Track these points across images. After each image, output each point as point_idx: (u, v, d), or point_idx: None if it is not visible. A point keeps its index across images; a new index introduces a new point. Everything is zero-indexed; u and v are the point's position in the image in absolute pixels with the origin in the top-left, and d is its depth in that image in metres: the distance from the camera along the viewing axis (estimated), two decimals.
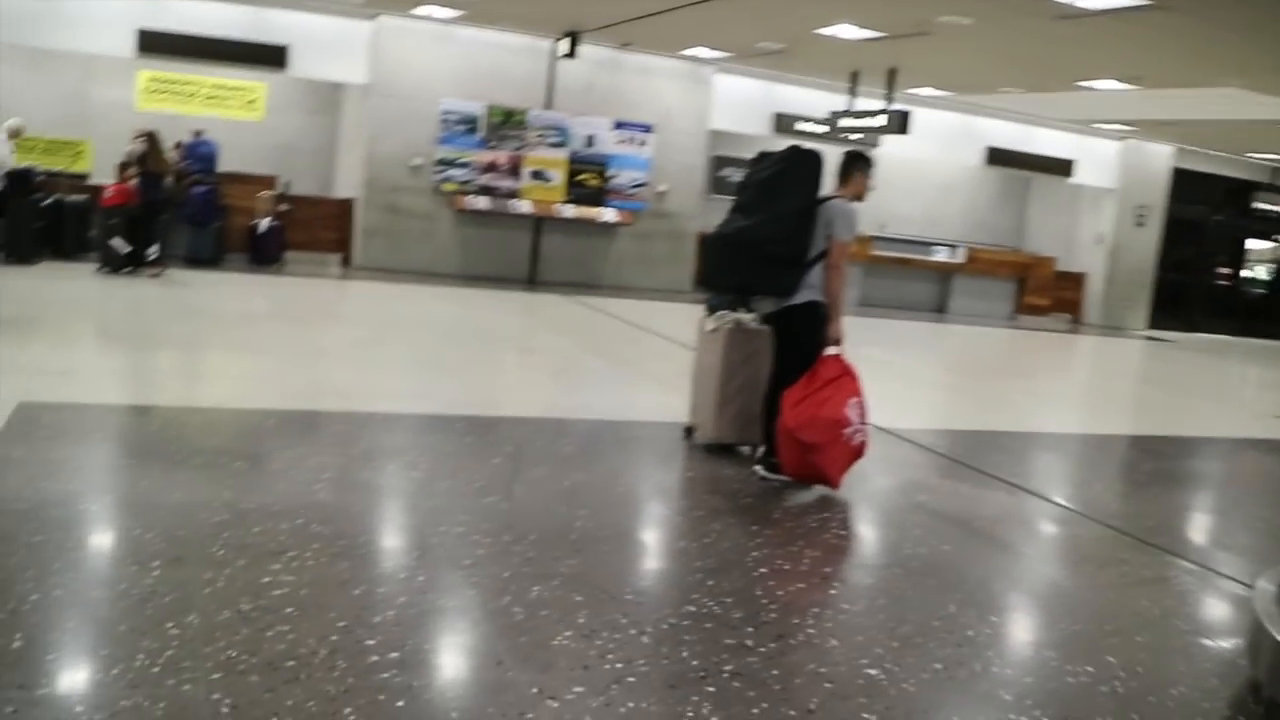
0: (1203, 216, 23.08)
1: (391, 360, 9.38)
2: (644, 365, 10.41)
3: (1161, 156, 21.64)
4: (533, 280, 16.84)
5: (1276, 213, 23.77)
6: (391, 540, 4.95)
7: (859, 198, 6.57)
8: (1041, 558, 5.83)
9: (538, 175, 16.65)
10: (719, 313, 7.23)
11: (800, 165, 6.50)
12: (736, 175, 18.29)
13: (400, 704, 3.28)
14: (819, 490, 6.36)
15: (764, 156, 6.72)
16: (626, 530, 5.41)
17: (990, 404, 10.86)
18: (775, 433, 6.33)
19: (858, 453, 6.35)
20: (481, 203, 16.26)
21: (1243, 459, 9.73)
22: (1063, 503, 6.96)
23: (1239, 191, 23.34)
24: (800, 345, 6.46)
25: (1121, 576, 5.54)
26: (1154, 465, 8.75)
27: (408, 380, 8.48)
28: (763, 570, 4.94)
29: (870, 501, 6.56)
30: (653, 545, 5.26)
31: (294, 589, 4.03)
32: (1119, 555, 5.92)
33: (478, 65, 16.25)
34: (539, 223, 16.83)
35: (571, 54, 15.68)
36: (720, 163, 19.77)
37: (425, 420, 7.19)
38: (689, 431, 7.41)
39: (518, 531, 5.05)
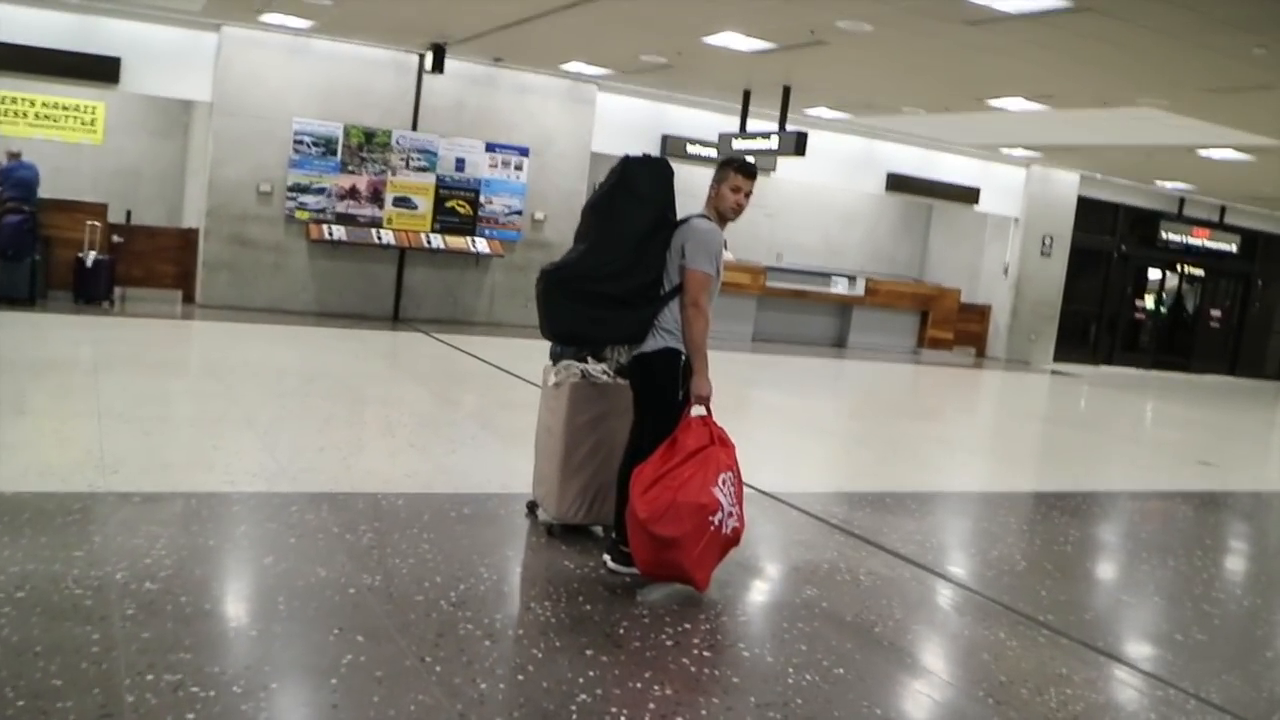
0: (1109, 246, 22.33)
1: (191, 419, 7.86)
2: (499, 420, 9.00)
3: (1067, 184, 20.81)
4: (397, 317, 15.34)
5: (1183, 244, 23.09)
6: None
7: (721, 215, 5.22)
8: (964, 681, 4.51)
9: (402, 202, 15.17)
10: (563, 363, 5.87)
11: (637, 179, 5.18)
12: None
13: None
14: (681, 589, 5.00)
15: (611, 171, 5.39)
16: (405, 668, 3.97)
17: (894, 457, 9.60)
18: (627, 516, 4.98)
19: (730, 542, 5.03)
20: (339, 232, 14.74)
21: (1177, 520, 8.58)
22: (983, 593, 5.67)
23: (1146, 221, 22.62)
24: (655, 405, 5.14)
25: (1064, 703, 4.26)
26: (1082, 532, 7.53)
27: (200, 444, 6.97)
28: None
29: (746, 603, 5.21)
30: (438, 691, 3.83)
31: None
32: (1058, 669, 4.64)
33: (335, 81, 14.77)
34: (403, 254, 15.34)
35: (437, 69, 14.27)
36: None
37: (191, 501, 5.70)
38: (532, 508, 6.04)
39: (248, 678, 3.62)
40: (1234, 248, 23.96)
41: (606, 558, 5.25)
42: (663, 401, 5.11)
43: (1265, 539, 8.53)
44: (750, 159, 6.57)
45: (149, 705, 3.41)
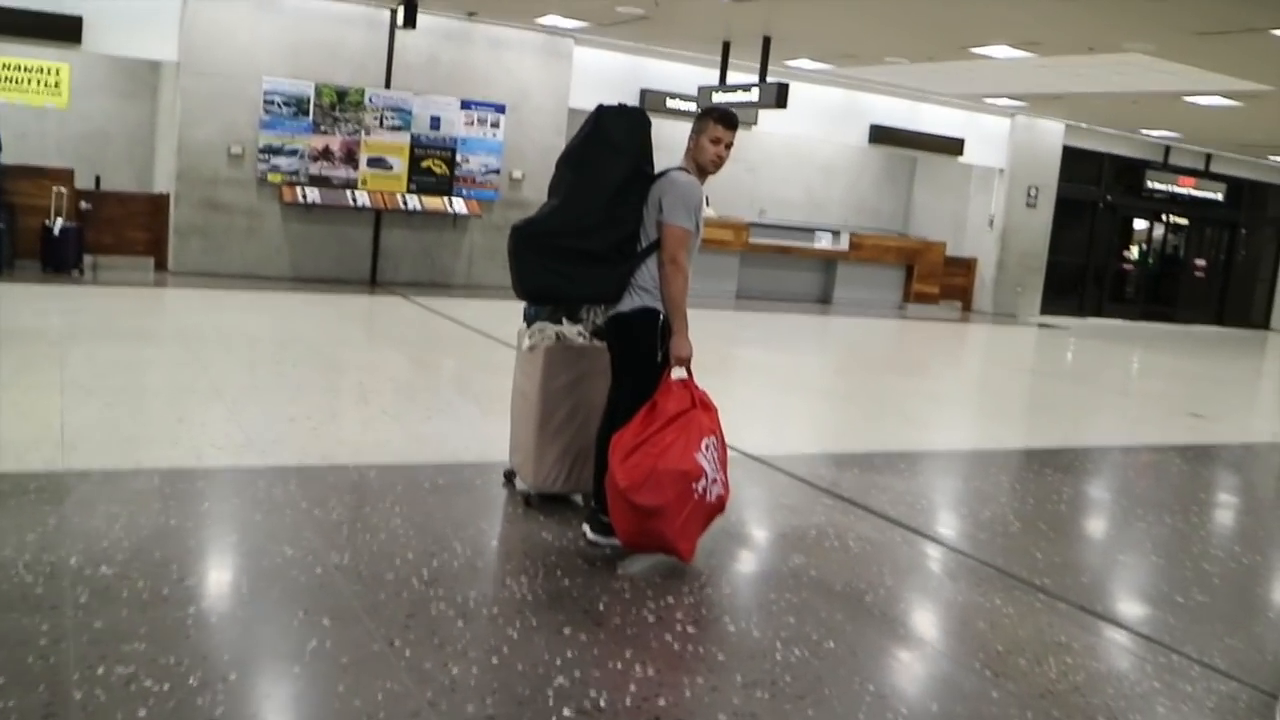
0: (1095, 197, 22.12)
1: (158, 391, 7.60)
2: (477, 385, 8.77)
3: (1053, 134, 20.56)
4: (374, 281, 15.06)
5: (1169, 193, 22.91)
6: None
7: (701, 168, 4.97)
8: (959, 652, 4.32)
9: (377, 163, 14.85)
10: (537, 324, 5.63)
11: (611, 129, 4.93)
12: None
13: None
14: (664, 560, 4.81)
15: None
16: (373, 652, 3.77)
17: (882, 415, 9.41)
18: (606, 484, 4.78)
19: (715, 510, 4.83)
20: (313, 195, 14.42)
21: (1170, 474, 8.41)
22: (976, 556, 5.49)
23: (1131, 170, 22.41)
24: (633, 368, 4.92)
25: (1064, 673, 4.08)
26: (1075, 490, 7.37)
27: (165, 417, 6.73)
28: (567, 712, 3.38)
29: (732, 573, 5.01)
30: (407, 677, 3.63)
31: None
32: (1056, 636, 4.46)
33: (306, 39, 14.40)
34: (379, 216, 15.04)
35: (409, 24, 13.92)
36: None
37: (154, 478, 5.47)
38: (509, 477, 5.83)
39: (205, 669, 3.41)
40: (1220, 196, 23.79)
41: (585, 528, 5.06)
42: (642, 363, 4.88)
43: (1260, 492, 8.38)
44: (730, 108, 6.30)
45: (98, 702, 3.20)
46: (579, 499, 5.58)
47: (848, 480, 6.77)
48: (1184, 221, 24.13)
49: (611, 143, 4.89)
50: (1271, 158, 22.73)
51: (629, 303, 4.90)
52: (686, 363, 4.87)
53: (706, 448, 4.70)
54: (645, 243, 4.90)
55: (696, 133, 4.94)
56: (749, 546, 5.36)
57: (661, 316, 4.86)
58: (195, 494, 5.29)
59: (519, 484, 5.67)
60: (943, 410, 10.11)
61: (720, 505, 4.84)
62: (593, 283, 4.96)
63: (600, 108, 5.00)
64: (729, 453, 4.96)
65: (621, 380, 5.00)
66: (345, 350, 9.68)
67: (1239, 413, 12.49)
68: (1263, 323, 25.12)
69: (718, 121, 4.91)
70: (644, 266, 4.88)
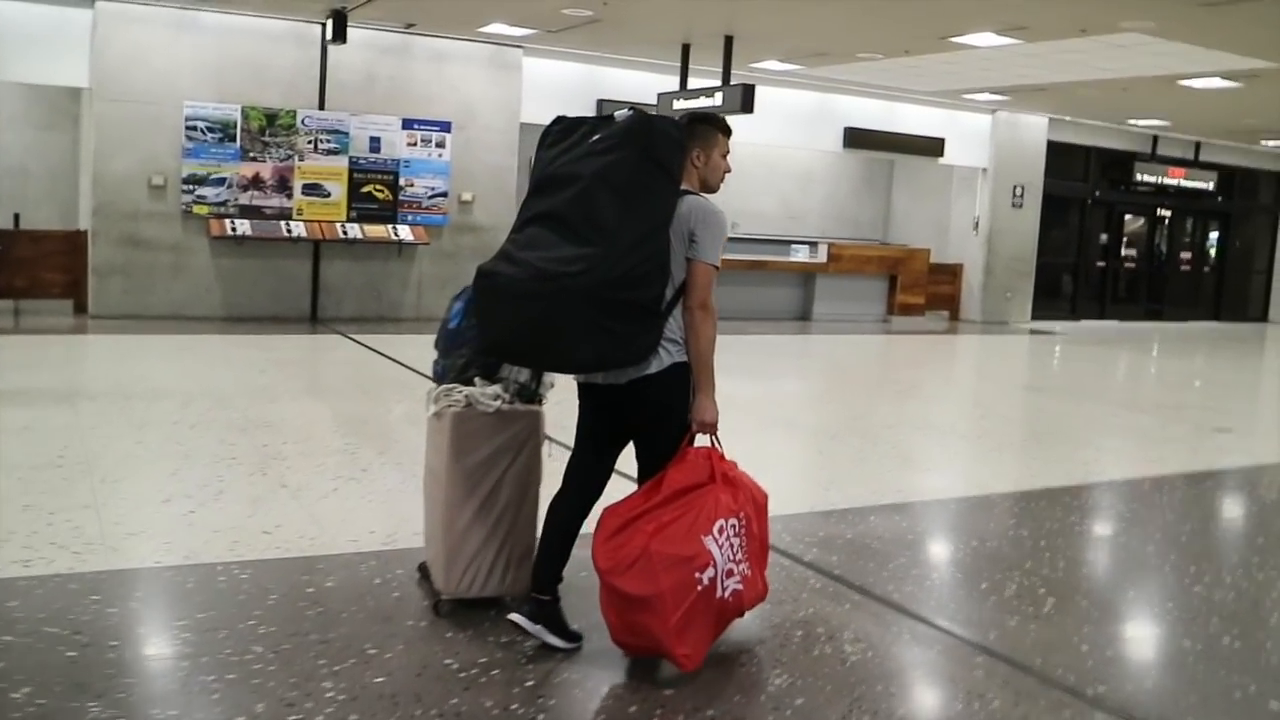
0: (1082, 193, 21.07)
1: (13, 467, 6.36)
2: (405, 442, 7.52)
3: (1036, 129, 19.50)
4: (314, 317, 13.86)
5: (1158, 184, 21.86)
6: None
7: (710, 190, 4.13)
8: None
9: (312, 190, 13.68)
10: (444, 386, 4.45)
11: (661, 148, 3.87)
12: None
13: None
14: (608, 668, 3.62)
15: (573, 127, 4.01)
16: None
17: (873, 455, 8.22)
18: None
19: (732, 611, 4.00)
20: (244, 227, 13.23)
21: (1216, 512, 7.27)
22: (1007, 655, 4.31)
23: (1119, 163, 21.36)
24: (663, 440, 4.04)
25: None
26: (1109, 542, 6.23)
27: (9, 503, 5.52)
28: None
29: (689, 709, 3.79)
30: None
31: None
32: None
33: (229, 59, 13.24)
34: (318, 247, 13.85)
35: (339, 38, 12.75)
36: None
37: None
38: (425, 572, 4.67)
39: None
40: (1211, 185, 22.76)
41: (514, 616, 4.09)
42: (676, 432, 4.01)
43: None
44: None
45: None
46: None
47: (839, 548, 5.60)
48: (1177, 214, 23.08)
49: (665, 166, 3.86)
50: (1264, 143, 21.70)
51: (656, 361, 3.92)
52: (713, 429, 4.01)
53: (720, 531, 3.85)
54: (672, 287, 3.92)
55: (704, 149, 4.09)
56: (716, 663, 4.15)
57: (689, 373, 4.00)
58: (46, 598, 4.08)
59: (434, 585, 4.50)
60: (941, 444, 8.94)
61: (739, 606, 3.99)
62: (642, 343, 3.89)
63: (639, 115, 3.92)
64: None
65: (642, 453, 4.14)
66: (259, 404, 8.44)
67: (1267, 423, 11.39)
68: (1261, 315, 24.14)
69: (726, 134, 4.17)
70: (672, 315, 3.94)
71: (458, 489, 4.30)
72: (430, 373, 4.67)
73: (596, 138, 3.87)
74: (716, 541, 3.81)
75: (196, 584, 4.59)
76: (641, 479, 4.08)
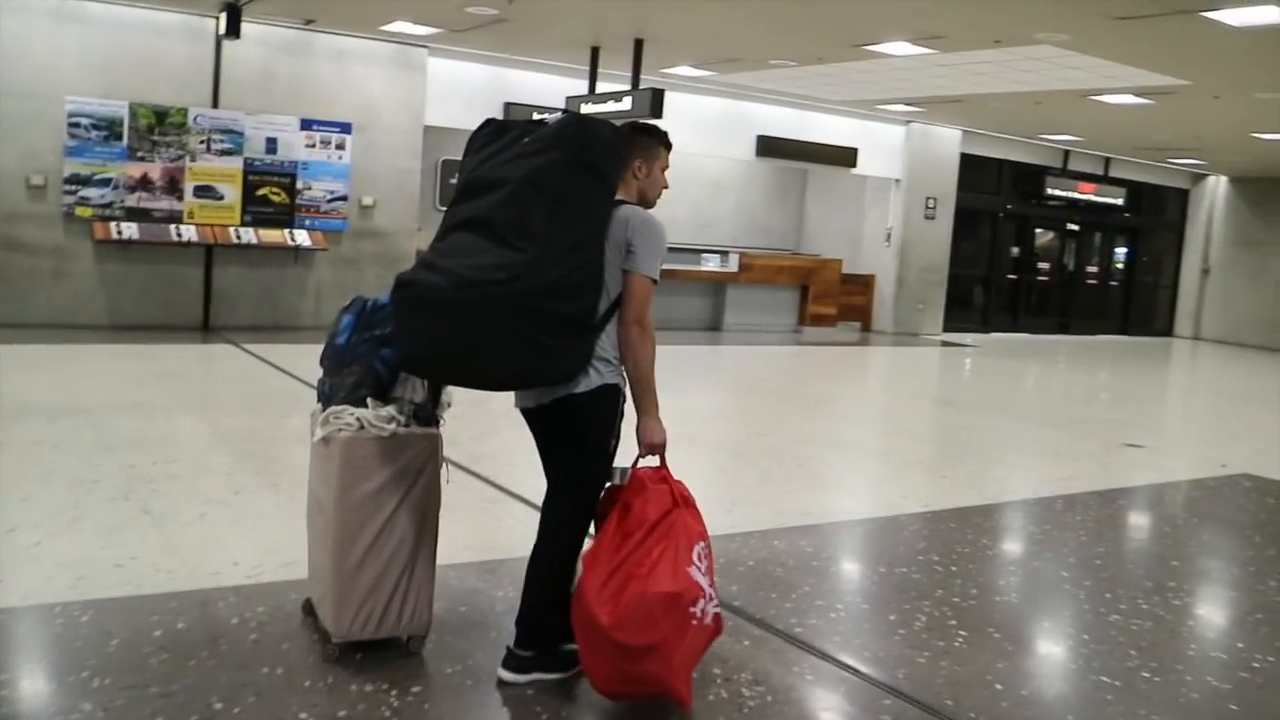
0: (994, 206, 21.09)
1: None
2: (286, 462, 7.05)
3: (949, 141, 19.46)
4: (207, 326, 13.28)
5: (1069, 199, 21.98)
6: None
7: (648, 204, 3.93)
8: None
9: (205, 192, 13.12)
10: (332, 409, 4.05)
11: (589, 147, 3.61)
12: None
13: None
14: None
15: (503, 130, 3.79)
16: None
17: (780, 472, 7.90)
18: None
19: (714, 634, 3.81)
20: (131, 230, 12.63)
21: (1129, 532, 7.08)
22: (918, 698, 4.02)
23: (1030, 177, 21.43)
24: (586, 465, 3.84)
25: None
26: (1023, 567, 5.98)
27: None
28: None
29: None
30: None
31: None
32: None
33: (117, 53, 12.63)
34: (210, 252, 13.29)
35: (232, 33, 12.22)
36: (451, 167, 16.67)
37: None
38: (310, 608, 4.29)
39: None
40: (1120, 201, 22.98)
41: (503, 673, 3.91)
42: (598, 458, 3.81)
43: (1245, 552, 7.02)
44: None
45: None
46: (408, 642, 4.00)
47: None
48: (1086, 228, 23.24)
49: (599, 171, 3.62)
50: (1171, 160, 21.91)
51: (585, 380, 3.70)
52: (660, 451, 3.80)
53: (699, 558, 3.68)
54: (607, 300, 3.70)
55: (646, 161, 3.90)
56: (599, 710, 3.80)
57: (621, 395, 3.82)
58: None
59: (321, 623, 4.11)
60: (849, 461, 8.67)
61: (718, 626, 3.79)
62: (571, 360, 3.65)
63: (577, 118, 3.71)
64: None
65: (563, 483, 3.89)
66: (134, 420, 7.91)
67: (1176, 438, 11.34)
68: (1166, 330, 24.40)
69: (668, 148, 3.98)
70: (604, 331, 3.72)
71: (349, 521, 3.91)
72: (317, 387, 4.26)
73: (527, 140, 3.63)
74: (699, 569, 3.65)
75: (28, 629, 4.15)
76: (545, 513, 3.90)
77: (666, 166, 3.97)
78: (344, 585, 3.92)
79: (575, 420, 3.75)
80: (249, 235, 13.26)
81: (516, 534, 5.57)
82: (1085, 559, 6.18)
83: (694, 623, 3.60)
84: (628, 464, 3.79)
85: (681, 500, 3.76)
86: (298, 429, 8.05)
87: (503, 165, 3.61)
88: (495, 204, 3.54)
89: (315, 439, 4.06)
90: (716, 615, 3.74)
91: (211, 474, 6.59)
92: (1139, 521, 7.50)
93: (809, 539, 6.14)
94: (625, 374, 3.78)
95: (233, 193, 13.26)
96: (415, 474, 3.98)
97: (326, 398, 4.13)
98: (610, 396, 3.74)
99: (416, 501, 3.99)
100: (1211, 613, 5.50)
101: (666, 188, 4.00)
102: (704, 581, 3.65)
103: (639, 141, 3.88)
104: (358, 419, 3.95)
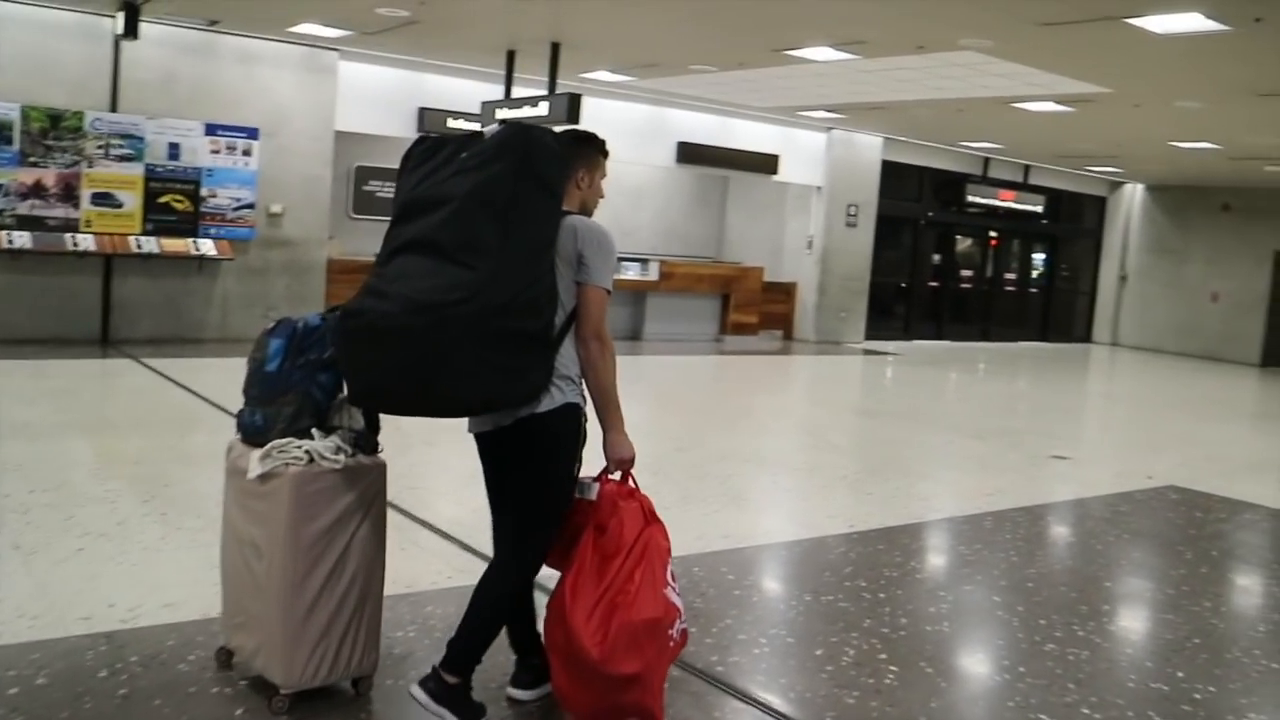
0: (916, 213, 21.04)
1: None
2: (181, 487, 6.67)
3: (871, 148, 19.35)
4: (106, 339, 12.71)
5: (990, 207, 22.01)
6: None
7: (585, 212, 3.79)
8: None
9: (103, 199, 12.54)
10: (275, 443, 3.68)
11: (533, 157, 3.46)
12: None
13: None
14: None
15: (437, 147, 3.58)
16: None
17: (699, 491, 7.61)
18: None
19: (680, 648, 3.77)
20: (22, 239, 12.03)
21: (1058, 548, 6.89)
22: None
23: (952, 184, 21.43)
24: (550, 487, 3.67)
25: None
26: (954, 594, 5.74)
27: None
28: None
29: None
30: None
31: None
32: None
33: (8, 53, 12.02)
34: (109, 262, 12.71)
35: (130, 33, 11.71)
36: (365, 174, 16.25)
37: None
38: (228, 656, 3.92)
39: None
40: (1040, 208, 23.11)
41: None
42: (563, 481, 3.66)
43: (1177, 571, 6.85)
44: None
45: None
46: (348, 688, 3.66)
47: None
48: (1007, 236, 23.32)
49: (546, 180, 3.47)
50: (1090, 168, 22.04)
51: (547, 399, 3.54)
52: (630, 466, 3.72)
53: (672, 576, 3.66)
54: (562, 314, 3.56)
55: (589, 170, 3.80)
56: None
57: (582, 414, 3.69)
58: None
59: (257, 669, 3.74)
60: (772, 479, 8.40)
61: (685, 640, 3.75)
62: (533, 379, 3.49)
63: (519, 127, 3.55)
64: None
65: (524, 507, 3.69)
66: (14, 443, 7.38)
67: (1101, 448, 11.24)
68: (1085, 336, 24.57)
69: (606, 156, 3.89)
70: (561, 347, 3.57)
71: (300, 563, 3.60)
72: (238, 419, 3.87)
73: (466, 154, 3.46)
74: (674, 589, 3.63)
75: None
76: (498, 537, 3.77)
77: (605, 175, 3.86)
78: (295, 631, 3.61)
79: (539, 441, 3.57)
80: (150, 244, 12.71)
81: (423, 565, 5.25)
82: (1017, 581, 5.96)
83: (671, 645, 3.61)
84: (591, 475, 3.71)
85: (651, 516, 3.69)
86: (193, 450, 7.66)
87: (444, 182, 3.42)
88: (440, 223, 3.35)
89: (250, 476, 3.68)
90: (684, 631, 3.70)
91: (94, 502, 6.13)
92: (1069, 539, 7.31)
93: (730, 565, 5.85)
94: (585, 391, 3.65)
95: (133, 200, 12.71)
96: (368, 506, 3.75)
97: (258, 430, 3.77)
98: (573, 415, 3.61)
99: (368, 535, 3.77)
100: (1149, 639, 5.28)
101: (603, 197, 3.88)
102: (678, 601, 3.62)
103: (582, 151, 3.76)
104: (306, 451, 3.63)
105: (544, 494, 3.64)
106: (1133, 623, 5.54)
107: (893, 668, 4.51)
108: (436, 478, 7.26)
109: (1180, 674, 4.73)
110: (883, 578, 5.79)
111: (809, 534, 6.71)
